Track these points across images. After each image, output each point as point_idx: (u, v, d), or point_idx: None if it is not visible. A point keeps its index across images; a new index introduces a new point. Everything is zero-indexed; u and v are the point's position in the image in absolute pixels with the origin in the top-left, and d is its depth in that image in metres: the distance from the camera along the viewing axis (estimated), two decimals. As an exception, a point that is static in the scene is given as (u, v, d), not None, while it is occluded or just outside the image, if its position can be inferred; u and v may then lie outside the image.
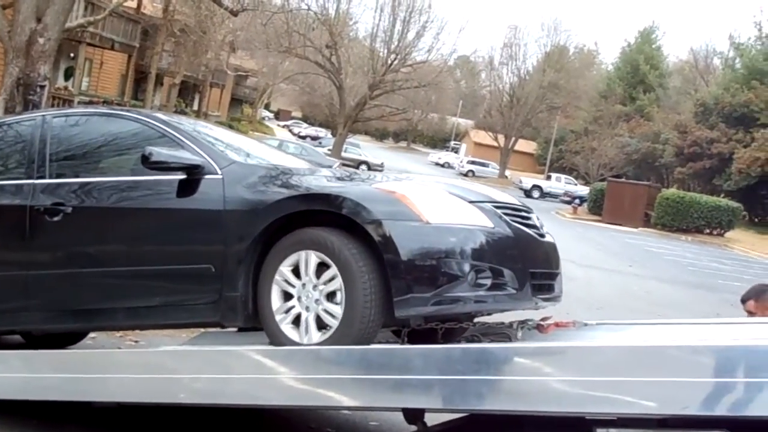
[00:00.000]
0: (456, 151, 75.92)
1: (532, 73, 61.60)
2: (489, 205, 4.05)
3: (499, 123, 61.11)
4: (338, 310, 3.74)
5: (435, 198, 3.96)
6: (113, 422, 4.67)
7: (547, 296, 4.20)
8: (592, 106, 58.64)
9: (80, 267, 4.47)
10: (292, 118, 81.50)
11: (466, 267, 3.74)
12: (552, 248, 4.38)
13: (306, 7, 26.67)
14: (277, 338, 3.91)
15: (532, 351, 3.33)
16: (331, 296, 3.79)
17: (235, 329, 4.83)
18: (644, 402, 2.95)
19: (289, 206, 3.95)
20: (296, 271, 3.88)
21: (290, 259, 3.89)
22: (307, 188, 4.04)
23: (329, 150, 41.20)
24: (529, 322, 4.27)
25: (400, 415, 3.75)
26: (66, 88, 28.77)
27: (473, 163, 61.64)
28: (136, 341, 6.24)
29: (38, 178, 4.65)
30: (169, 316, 4.31)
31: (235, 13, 15.99)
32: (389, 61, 36.94)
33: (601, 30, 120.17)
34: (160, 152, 4.16)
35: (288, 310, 3.89)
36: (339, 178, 4.26)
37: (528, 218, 4.24)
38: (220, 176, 4.19)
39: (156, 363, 4.10)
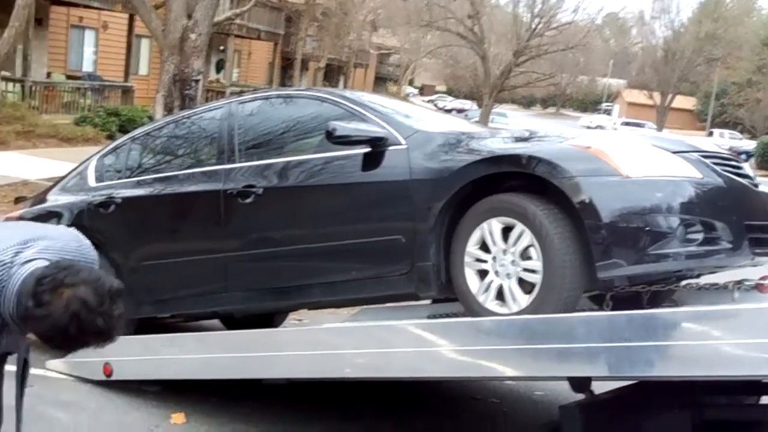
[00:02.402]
0: (608, 113, 73.56)
1: (687, 24, 58.65)
2: (695, 154, 3.80)
3: (654, 80, 58.63)
4: (538, 264, 3.62)
5: (634, 151, 3.75)
6: (283, 398, 4.82)
7: (766, 251, 3.87)
8: (755, 54, 55.11)
9: (274, 246, 4.59)
10: (437, 92, 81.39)
11: (674, 222, 3.51)
12: None
13: (445, -21, 26.55)
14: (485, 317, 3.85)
15: (702, 315, 3.18)
16: (526, 256, 3.68)
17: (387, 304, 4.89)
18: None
19: (477, 171, 3.87)
20: (484, 247, 3.81)
21: (475, 236, 3.82)
22: (492, 151, 3.94)
23: (476, 122, 40.90)
24: (747, 282, 3.95)
25: (566, 384, 3.68)
26: (218, 80, 29.90)
27: (627, 124, 59.47)
28: (299, 320, 6.43)
29: (229, 162, 4.82)
30: (364, 289, 4.34)
31: (375, -8, 16.06)
32: (533, 26, 36.07)
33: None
34: (345, 127, 4.20)
35: (488, 287, 3.82)
36: (520, 138, 4.14)
37: (739, 167, 3.95)
38: (405, 146, 4.18)
39: (320, 340, 4.19)
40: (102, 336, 2.17)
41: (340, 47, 39.77)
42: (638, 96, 65.22)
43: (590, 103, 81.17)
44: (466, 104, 65.91)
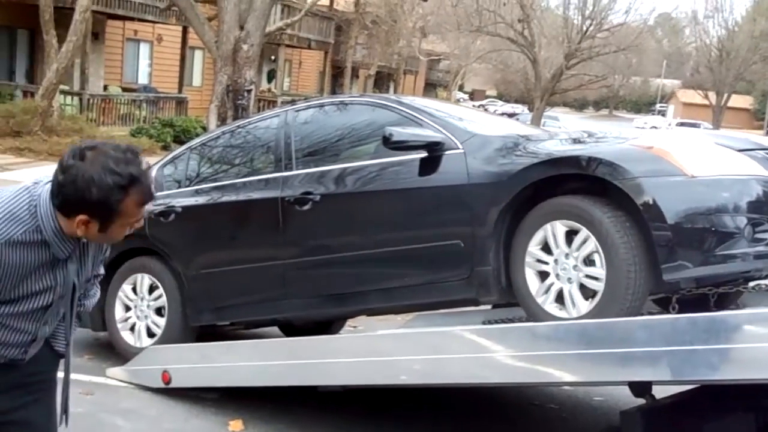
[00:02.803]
0: (663, 113, 72.54)
1: (741, 23, 57.55)
2: (761, 152, 3.73)
3: (709, 80, 57.60)
4: (600, 271, 3.56)
5: (698, 150, 3.68)
6: (339, 404, 4.83)
7: None
8: (812, 51, 53.87)
9: (332, 252, 4.59)
10: (487, 97, 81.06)
11: (742, 221, 3.43)
12: None
13: (494, -17, 26.41)
14: (542, 319, 3.79)
15: (765, 317, 3.10)
16: (589, 262, 3.62)
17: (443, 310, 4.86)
18: None
19: (535, 173, 3.82)
20: (546, 248, 3.76)
21: (536, 238, 3.78)
22: (550, 153, 3.89)
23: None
24: None
25: (626, 389, 3.61)
26: (269, 89, 30.20)
27: (683, 124, 58.52)
28: (354, 327, 6.44)
29: (286, 170, 4.85)
30: (423, 295, 4.31)
31: (424, -1, 16.09)
32: (584, 28, 35.74)
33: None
34: (401, 132, 4.19)
35: (548, 289, 3.77)
36: (578, 140, 4.09)
37: None
38: (462, 150, 4.15)
39: (375, 347, 4.18)
40: (139, 185, 2.19)
41: (389, 54, 39.85)
42: (693, 96, 64.16)
43: (644, 105, 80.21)
44: (517, 108, 65.43)
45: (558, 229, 3.71)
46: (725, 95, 57.22)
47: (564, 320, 3.63)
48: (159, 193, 5.50)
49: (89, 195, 2.15)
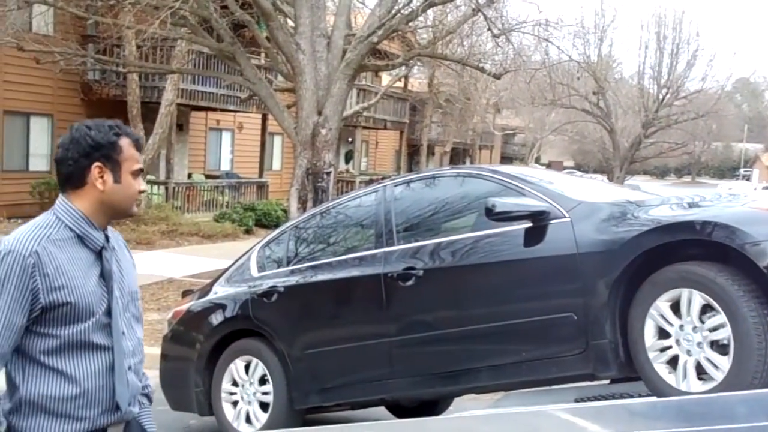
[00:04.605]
0: (747, 178, 70.81)
1: (823, 82, 56.25)
2: None
3: (793, 142, 56.24)
4: (725, 362, 3.42)
5: None
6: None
7: None
8: None
9: (439, 329, 4.50)
10: (565, 168, 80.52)
11: None
12: None
13: (568, 58, 26.47)
14: (648, 377, 3.68)
15: None
16: (715, 343, 3.48)
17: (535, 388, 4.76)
18: None
19: (649, 241, 3.71)
20: (675, 308, 3.62)
21: (669, 295, 3.63)
22: (663, 219, 3.78)
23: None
24: None
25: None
26: (347, 170, 30.65)
27: (768, 188, 57.04)
28: (443, 407, 6.34)
29: (387, 245, 4.79)
30: (537, 371, 4.17)
31: (498, 77, 16.17)
32: (661, 97, 35.47)
33: None
34: (504, 203, 4.13)
35: (663, 349, 3.63)
36: (692, 205, 3.97)
37: None
38: (568, 219, 4.08)
39: (467, 428, 4.10)
40: (126, 128, 2.45)
41: (464, 131, 40.16)
42: (778, 159, 62.60)
43: (727, 170, 78.57)
44: (597, 178, 64.72)
45: (696, 299, 3.56)
46: (812, 157, 55.58)
47: (669, 388, 3.49)
48: (260, 274, 5.54)
49: (90, 140, 2.37)
